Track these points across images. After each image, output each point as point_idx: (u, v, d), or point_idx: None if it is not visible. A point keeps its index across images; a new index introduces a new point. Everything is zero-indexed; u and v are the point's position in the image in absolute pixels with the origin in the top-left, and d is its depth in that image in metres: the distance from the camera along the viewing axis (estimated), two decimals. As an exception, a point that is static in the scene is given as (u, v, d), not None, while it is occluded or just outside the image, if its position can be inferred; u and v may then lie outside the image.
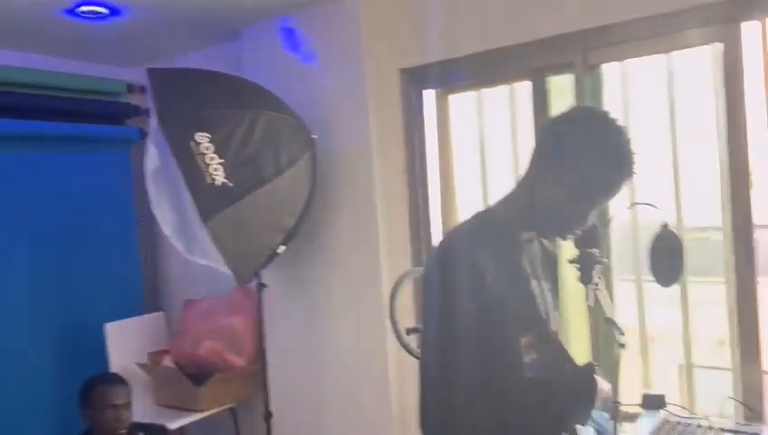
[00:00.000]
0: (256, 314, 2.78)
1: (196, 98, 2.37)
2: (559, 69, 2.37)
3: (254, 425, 2.95)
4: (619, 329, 1.89)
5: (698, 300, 2.36)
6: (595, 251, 1.65)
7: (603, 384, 1.29)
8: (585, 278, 1.67)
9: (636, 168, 1.26)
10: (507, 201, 1.38)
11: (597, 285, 1.71)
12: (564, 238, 1.36)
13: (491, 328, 1.22)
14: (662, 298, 2.41)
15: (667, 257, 1.69)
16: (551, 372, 1.27)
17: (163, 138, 2.28)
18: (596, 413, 2.15)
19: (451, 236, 1.32)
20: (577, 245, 1.68)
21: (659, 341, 2.81)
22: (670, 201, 2.26)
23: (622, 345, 1.88)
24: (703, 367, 2.90)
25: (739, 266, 2.06)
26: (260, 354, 2.76)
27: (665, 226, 1.72)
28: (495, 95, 2.67)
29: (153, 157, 2.42)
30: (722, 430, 1.90)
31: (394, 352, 2.54)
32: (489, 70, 2.51)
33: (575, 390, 1.28)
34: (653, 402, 2.07)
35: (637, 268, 2.37)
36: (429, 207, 2.72)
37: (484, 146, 2.67)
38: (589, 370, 1.30)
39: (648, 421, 1.97)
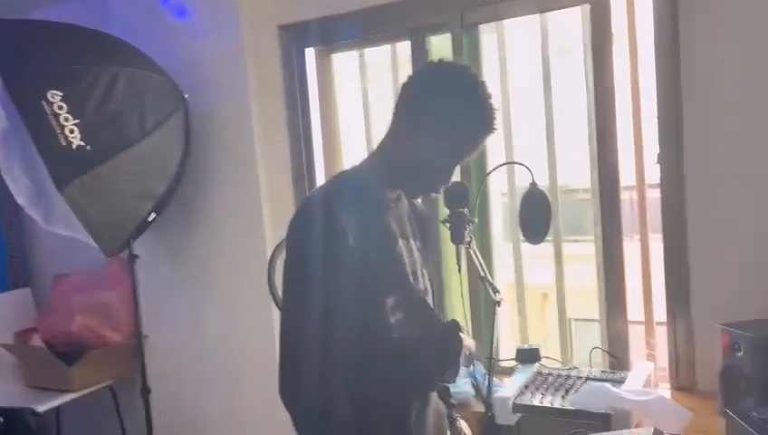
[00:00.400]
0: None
1: (49, 53, 2.15)
2: (437, 28, 2.35)
3: (135, 403, 2.81)
4: (493, 287, 1.92)
5: (572, 256, 2.46)
6: (465, 210, 1.66)
7: (468, 341, 1.28)
8: (456, 238, 1.66)
9: (497, 123, 1.24)
10: (370, 160, 1.33)
11: (469, 244, 1.72)
12: (429, 197, 1.33)
13: (355, 289, 1.18)
14: (540, 256, 2.49)
15: (534, 215, 1.72)
16: (416, 331, 1.25)
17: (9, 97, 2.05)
18: (474, 369, 2.20)
19: (310, 197, 1.26)
20: (447, 204, 1.68)
21: (538, 297, 2.93)
22: (544, 162, 2.30)
23: (497, 303, 1.92)
24: (578, 320, 3.05)
25: (605, 224, 2.14)
26: (137, 329, 2.61)
27: (533, 184, 1.74)
28: (378, 54, 2.62)
29: (1, 118, 2.18)
30: (588, 378, 1.99)
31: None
32: (370, 28, 2.45)
33: (440, 348, 1.27)
34: (527, 356, 2.14)
35: (514, 228, 2.42)
36: (314, 168, 2.64)
37: (368, 106, 2.62)
38: (453, 327, 1.29)
39: (522, 374, 2.03)
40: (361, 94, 2.63)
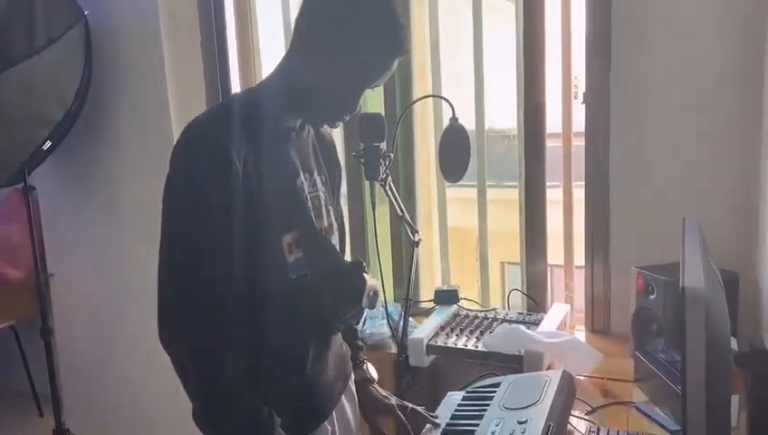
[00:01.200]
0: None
1: None
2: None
3: (40, 344, 2.65)
4: (411, 227, 1.85)
5: (504, 200, 2.41)
6: (381, 144, 1.55)
7: (371, 282, 1.20)
8: (371, 174, 1.57)
9: (407, 43, 1.12)
10: (267, 83, 1.19)
11: (385, 181, 1.63)
12: (333, 125, 1.21)
13: (247, 225, 1.06)
14: (465, 199, 2.44)
15: (453, 152, 1.63)
16: (316, 270, 1.15)
17: None
18: (391, 309, 2.15)
19: (193, 123, 1.11)
20: (361, 138, 1.57)
21: (463, 239, 2.88)
22: (471, 102, 2.22)
23: (416, 243, 1.85)
24: (503, 262, 3.04)
25: (529, 167, 2.08)
26: (36, 266, 2.43)
27: (453, 119, 1.64)
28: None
29: None
30: (504, 319, 1.97)
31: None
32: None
33: (341, 288, 1.18)
34: (445, 297, 2.10)
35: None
36: (230, 88, 2.42)
37: (289, 15, 2.41)
38: (355, 267, 1.21)
39: (439, 316, 1.99)
40: (282, 12, 2.43)
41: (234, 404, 1.04)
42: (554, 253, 2.19)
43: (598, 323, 2.04)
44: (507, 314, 2.01)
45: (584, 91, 1.94)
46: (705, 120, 1.80)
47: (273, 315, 1.12)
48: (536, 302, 2.14)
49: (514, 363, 1.68)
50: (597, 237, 1.99)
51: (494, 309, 2.07)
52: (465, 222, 2.64)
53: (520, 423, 1.25)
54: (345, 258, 1.29)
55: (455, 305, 2.09)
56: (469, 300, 2.18)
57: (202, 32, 2.37)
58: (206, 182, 1.04)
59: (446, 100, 1.73)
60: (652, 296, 1.70)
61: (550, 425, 1.22)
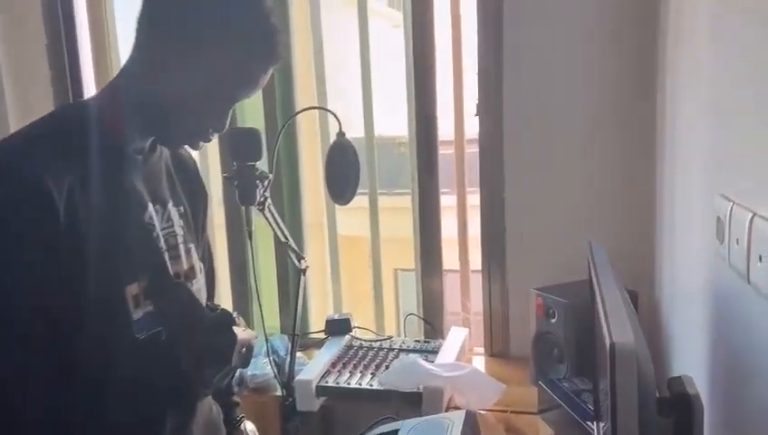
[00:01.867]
0: None
1: None
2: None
3: None
4: (297, 253, 1.65)
5: (390, 208, 2.28)
6: (256, 164, 1.36)
7: (243, 335, 0.99)
8: (245, 198, 1.37)
9: (280, 48, 0.93)
10: (105, 94, 0.96)
11: (263, 205, 1.43)
12: (195, 146, 1.00)
13: (74, 276, 0.83)
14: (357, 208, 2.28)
15: (340, 172, 1.46)
16: (172, 326, 0.93)
17: None
18: (276, 345, 1.94)
19: (1, 145, 0.86)
20: (233, 157, 1.36)
21: (355, 247, 2.71)
22: (359, 109, 2.06)
23: (303, 271, 1.66)
24: (396, 269, 2.89)
25: (422, 175, 1.96)
26: None
27: (340, 135, 1.48)
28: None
29: None
30: (401, 349, 1.82)
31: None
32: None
33: (205, 347, 0.97)
34: (338, 328, 1.92)
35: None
36: (82, 81, 2.10)
37: None
38: (222, 320, 0.99)
39: (331, 349, 1.81)
40: None
41: None
42: (451, 259, 2.08)
43: (497, 345, 1.94)
44: (404, 343, 1.87)
45: (476, 102, 1.84)
46: (601, 134, 1.75)
47: (116, 386, 0.89)
48: (433, 326, 2.01)
49: (413, 401, 1.54)
50: (493, 254, 1.89)
51: (390, 338, 1.92)
52: (358, 230, 2.49)
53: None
54: (215, 307, 1.07)
55: (347, 336, 1.91)
56: (363, 328, 2.01)
57: (47, 33, 2.04)
58: (12, 224, 0.80)
59: (331, 112, 1.56)
60: (553, 320, 1.62)
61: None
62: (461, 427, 1.26)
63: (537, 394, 1.54)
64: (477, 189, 1.92)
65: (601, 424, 1.21)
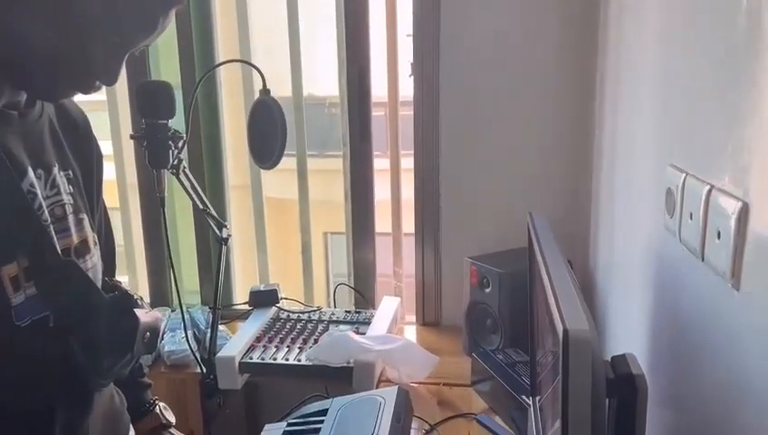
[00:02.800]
0: None
1: None
2: None
3: None
4: (217, 220, 1.53)
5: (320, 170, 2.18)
6: (168, 122, 1.22)
7: (146, 318, 0.87)
8: (156, 160, 1.23)
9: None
10: None
11: (177, 168, 1.30)
12: (85, 90, 0.83)
13: None
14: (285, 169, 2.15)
15: (264, 132, 1.34)
16: (60, 311, 0.80)
17: None
18: (197, 314, 1.81)
19: None
20: (142, 113, 1.22)
21: (283, 211, 2.59)
22: (287, 68, 1.92)
23: (224, 240, 1.54)
24: (326, 232, 2.79)
25: (354, 138, 1.86)
26: None
27: (264, 91, 1.35)
28: None
29: None
30: (331, 321, 1.74)
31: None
32: None
33: (102, 333, 0.84)
34: (263, 299, 1.82)
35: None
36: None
37: None
38: (120, 303, 0.87)
39: (256, 322, 1.71)
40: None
41: None
42: (383, 222, 2.01)
43: (429, 315, 1.89)
44: (333, 314, 1.78)
45: (411, 62, 1.74)
46: (541, 101, 1.69)
47: (10, 384, 0.76)
48: (364, 296, 1.93)
49: (344, 376, 1.46)
50: (427, 222, 1.82)
51: (319, 309, 1.83)
52: (286, 193, 2.36)
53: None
54: (114, 286, 0.94)
55: (274, 308, 1.81)
56: (291, 299, 1.91)
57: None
58: None
59: (254, 66, 1.43)
60: (487, 290, 1.57)
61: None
62: (393, 404, 1.19)
63: (470, 366, 1.50)
64: (411, 153, 1.83)
65: (537, 398, 1.18)
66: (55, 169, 0.84)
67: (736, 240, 0.64)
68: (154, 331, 0.86)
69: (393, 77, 1.91)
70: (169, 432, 1.11)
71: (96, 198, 0.95)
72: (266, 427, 1.27)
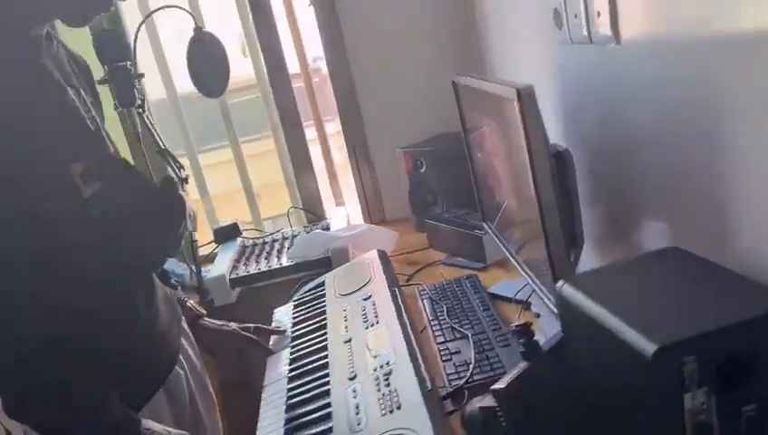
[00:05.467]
0: None
1: None
2: None
3: None
4: (176, 162, 1.67)
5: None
6: (128, 64, 1.35)
7: (188, 199, 1.05)
8: (123, 100, 1.37)
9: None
10: None
11: (142, 106, 1.44)
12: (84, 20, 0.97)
13: (17, 160, 0.82)
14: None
15: (206, 63, 1.49)
16: (122, 201, 0.95)
17: None
18: (173, 264, 1.96)
19: None
20: (102, 60, 1.34)
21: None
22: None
23: (182, 181, 1.69)
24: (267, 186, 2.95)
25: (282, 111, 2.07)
26: None
27: (197, 29, 1.50)
28: None
29: None
30: (294, 236, 1.94)
31: None
32: None
33: (160, 214, 1.01)
34: (227, 233, 1.98)
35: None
36: None
37: None
38: (170, 186, 1.04)
39: (227, 253, 1.88)
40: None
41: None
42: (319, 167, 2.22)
43: (375, 215, 2.13)
44: (294, 231, 1.98)
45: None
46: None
47: (85, 268, 0.91)
48: (315, 214, 2.14)
49: (323, 266, 1.68)
50: (356, 138, 2.05)
51: (279, 231, 2.03)
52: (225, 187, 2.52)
53: (365, 299, 1.26)
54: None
55: (238, 239, 1.98)
56: (251, 229, 2.09)
57: None
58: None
59: (184, 9, 1.57)
60: (422, 170, 1.83)
61: (394, 290, 1.25)
62: (378, 260, 1.43)
63: (426, 234, 1.76)
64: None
65: (490, 223, 1.46)
66: (82, 93, 0.99)
67: (611, 10, 0.92)
68: (194, 211, 1.04)
69: (300, 50, 2.13)
70: (206, 320, 1.28)
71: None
72: (275, 311, 1.48)
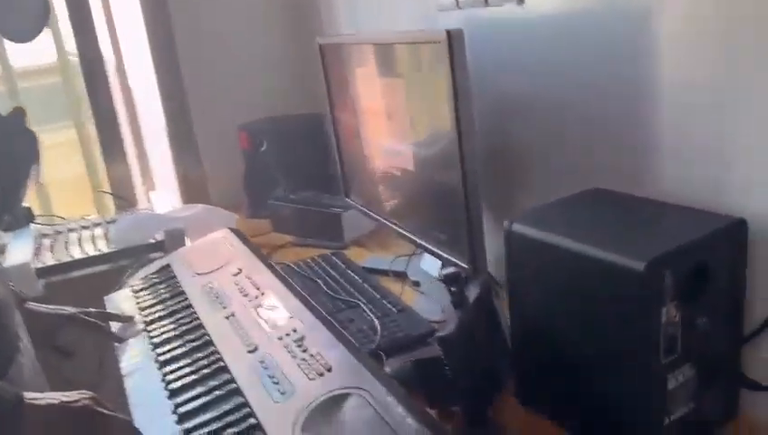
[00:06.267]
0: None
1: None
2: None
3: None
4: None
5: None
6: None
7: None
8: None
9: None
10: None
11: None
12: None
13: None
14: None
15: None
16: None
17: None
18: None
19: None
20: None
21: None
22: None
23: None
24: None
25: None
26: None
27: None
28: None
29: None
30: (108, 222, 1.67)
31: None
32: None
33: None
34: (17, 218, 1.63)
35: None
36: None
37: None
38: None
39: (19, 240, 1.54)
40: None
41: None
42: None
43: (197, 201, 1.93)
44: (105, 218, 1.71)
45: None
46: None
47: None
48: (126, 199, 1.88)
49: (154, 251, 1.46)
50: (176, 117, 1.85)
51: (85, 217, 1.73)
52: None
53: (235, 275, 1.12)
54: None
55: (30, 226, 1.64)
56: (47, 216, 1.75)
57: None
58: None
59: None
60: (263, 149, 1.71)
61: (269, 263, 1.13)
62: (235, 237, 1.29)
63: (270, 217, 1.64)
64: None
65: (355, 197, 1.41)
66: None
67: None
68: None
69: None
70: (32, 304, 1.03)
71: None
72: (107, 298, 1.23)
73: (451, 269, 0.83)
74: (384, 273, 1.26)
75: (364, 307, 1.06)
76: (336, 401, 0.71)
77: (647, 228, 0.71)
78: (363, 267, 1.28)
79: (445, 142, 0.93)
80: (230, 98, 1.84)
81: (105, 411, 0.71)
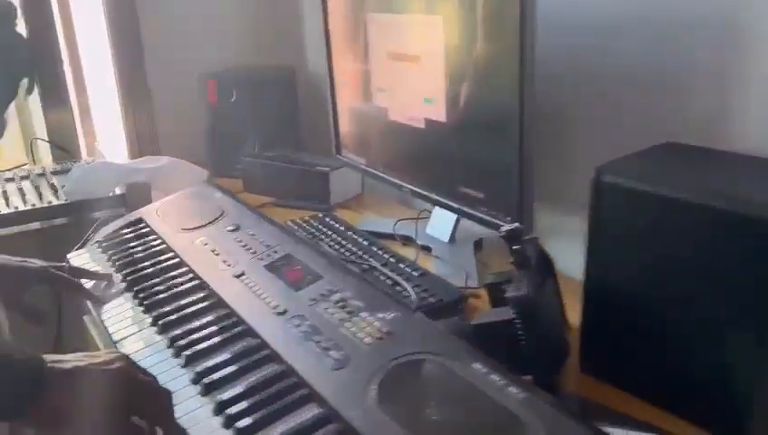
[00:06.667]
0: None
1: None
2: None
3: None
4: None
5: None
6: None
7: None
8: None
9: None
10: None
11: None
12: None
13: None
14: None
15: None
16: None
17: None
18: None
19: None
20: None
21: None
22: None
23: None
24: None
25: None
26: None
27: None
28: None
29: None
30: (55, 172, 1.46)
31: None
32: None
33: None
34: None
35: None
36: None
37: None
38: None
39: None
40: None
41: None
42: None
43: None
44: (50, 169, 1.49)
45: None
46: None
47: None
48: (69, 151, 1.66)
49: (114, 206, 1.29)
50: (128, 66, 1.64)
51: (21, 166, 1.51)
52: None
53: (232, 231, 0.99)
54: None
55: (-45, 175, 1.41)
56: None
57: None
58: None
59: None
60: (233, 99, 1.55)
61: (272, 220, 1.01)
62: (222, 192, 1.15)
63: (242, 180, 1.49)
64: None
65: (351, 154, 1.29)
66: None
67: None
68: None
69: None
70: None
71: None
72: (70, 256, 1.06)
73: (513, 226, 0.74)
74: (388, 237, 1.16)
75: (383, 269, 0.96)
76: (410, 368, 0.61)
77: (746, 178, 0.65)
78: (363, 230, 1.17)
79: (498, 88, 0.84)
80: (190, 43, 1.65)
81: (141, 377, 0.58)
